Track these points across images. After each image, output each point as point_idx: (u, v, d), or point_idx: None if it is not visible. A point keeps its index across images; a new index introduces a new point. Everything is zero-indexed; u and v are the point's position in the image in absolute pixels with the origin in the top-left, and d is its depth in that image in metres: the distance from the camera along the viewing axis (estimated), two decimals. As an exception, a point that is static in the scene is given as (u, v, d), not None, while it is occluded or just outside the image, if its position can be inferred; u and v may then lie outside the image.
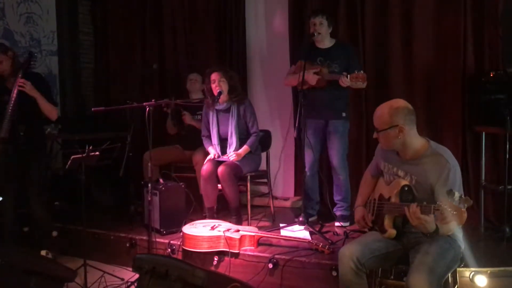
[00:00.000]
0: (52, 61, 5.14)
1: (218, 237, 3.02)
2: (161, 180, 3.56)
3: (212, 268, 3.02)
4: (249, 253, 3.00)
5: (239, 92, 3.63)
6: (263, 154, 3.89)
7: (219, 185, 3.48)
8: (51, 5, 5.11)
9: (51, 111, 3.24)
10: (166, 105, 4.14)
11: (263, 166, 3.89)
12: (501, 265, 2.60)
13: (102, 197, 4.46)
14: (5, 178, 3.20)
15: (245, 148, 3.55)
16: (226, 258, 3.01)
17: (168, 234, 3.38)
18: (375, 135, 2.26)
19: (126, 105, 3.27)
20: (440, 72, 3.75)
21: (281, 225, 3.44)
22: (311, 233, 3.22)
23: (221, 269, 3.00)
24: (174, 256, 3.18)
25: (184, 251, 3.13)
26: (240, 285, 2.45)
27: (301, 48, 3.87)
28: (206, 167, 3.46)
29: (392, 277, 2.47)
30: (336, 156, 3.50)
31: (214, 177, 3.43)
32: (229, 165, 3.40)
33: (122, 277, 3.16)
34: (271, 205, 3.82)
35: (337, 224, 3.50)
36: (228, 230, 3.08)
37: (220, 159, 3.54)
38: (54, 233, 3.56)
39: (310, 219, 3.57)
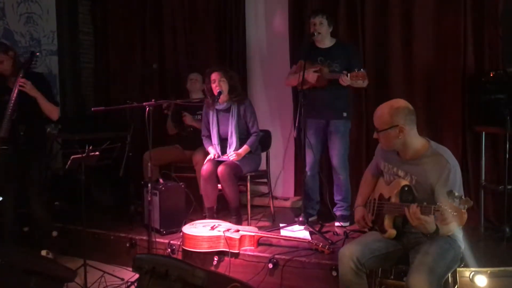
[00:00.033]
0: (52, 61, 5.13)
1: (218, 237, 3.02)
2: (161, 180, 3.56)
3: (212, 268, 3.02)
4: (249, 253, 3.00)
5: (239, 92, 3.63)
6: (263, 154, 3.89)
7: (219, 185, 3.48)
8: (51, 5, 5.11)
9: (52, 111, 3.24)
10: (166, 107, 4.14)
11: (263, 166, 3.89)
12: (501, 265, 2.60)
13: (102, 197, 4.46)
14: (5, 178, 3.20)
15: (245, 148, 3.55)
16: (226, 258, 3.01)
17: (168, 234, 3.38)
18: (375, 135, 2.26)
19: (126, 105, 3.27)
20: (440, 72, 3.75)
21: (281, 225, 3.44)
22: (311, 233, 3.22)
23: (221, 269, 3.00)
24: (174, 256, 3.18)
25: (184, 251, 3.13)
26: (240, 285, 2.45)
27: (301, 48, 3.87)
28: (206, 167, 3.46)
29: (392, 277, 2.47)
30: (336, 156, 3.50)
31: (214, 177, 3.43)
32: (229, 165, 3.40)
33: (122, 277, 3.16)
34: (271, 205, 3.82)
35: (337, 224, 3.50)
36: (228, 230, 3.08)
37: (220, 159, 3.54)
38: (54, 233, 3.56)
39: (310, 219, 3.57)
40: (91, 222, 3.50)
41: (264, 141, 3.90)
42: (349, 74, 3.22)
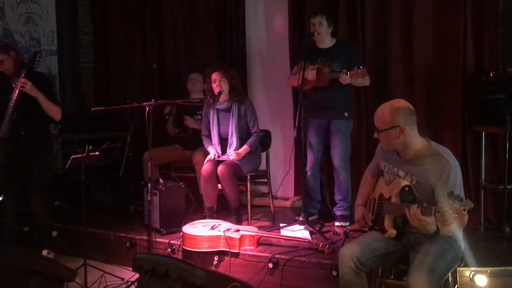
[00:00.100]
0: (52, 61, 5.13)
1: (218, 237, 3.02)
2: (161, 180, 3.56)
3: (212, 268, 3.02)
4: (249, 253, 3.00)
5: (240, 92, 3.63)
6: (263, 154, 3.89)
7: (219, 185, 3.48)
8: (50, 5, 5.11)
9: (53, 111, 3.23)
10: (168, 113, 4.14)
11: (263, 166, 3.89)
12: (501, 264, 2.60)
13: (102, 197, 4.46)
14: (5, 178, 3.20)
15: (245, 148, 3.55)
16: (226, 258, 3.01)
17: (168, 234, 3.38)
18: (375, 135, 2.26)
19: (126, 105, 3.27)
20: (440, 72, 3.75)
21: (281, 225, 3.44)
22: (311, 233, 3.22)
23: (221, 269, 3.00)
24: (174, 256, 3.18)
25: (184, 251, 3.13)
26: (240, 285, 2.45)
27: (302, 48, 3.88)
28: (206, 167, 3.46)
29: (392, 276, 2.47)
30: (337, 156, 3.50)
31: (214, 177, 3.43)
32: (229, 164, 3.40)
33: (122, 277, 3.16)
34: (271, 205, 3.82)
35: (337, 224, 3.50)
36: (228, 230, 3.08)
37: (220, 158, 3.54)
38: (54, 233, 3.56)
39: (311, 218, 3.57)
40: (91, 222, 3.50)
41: (264, 141, 3.91)
42: (348, 72, 3.22)
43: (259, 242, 3.09)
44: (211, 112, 3.65)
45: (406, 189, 2.18)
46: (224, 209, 3.69)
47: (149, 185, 3.17)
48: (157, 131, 3.54)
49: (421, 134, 2.23)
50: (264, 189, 4.43)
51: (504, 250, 2.95)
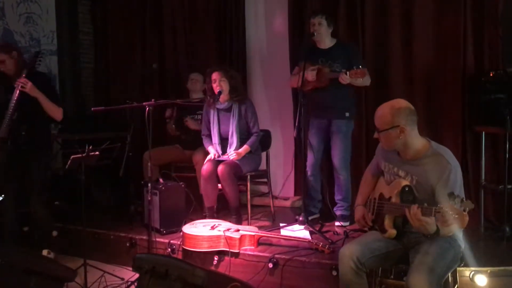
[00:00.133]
0: (52, 61, 5.13)
1: (218, 236, 3.02)
2: (161, 180, 3.56)
3: (212, 268, 3.02)
4: (249, 252, 3.00)
5: (241, 91, 3.63)
6: (263, 154, 3.89)
7: (219, 185, 3.48)
8: (50, 4, 5.11)
9: (54, 111, 3.23)
10: (169, 117, 4.13)
11: (263, 166, 3.89)
12: (501, 264, 2.60)
13: (102, 197, 4.46)
14: (5, 178, 3.20)
15: (245, 148, 3.55)
16: (226, 258, 3.01)
17: (168, 234, 3.38)
18: (376, 135, 2.26)
19: (126, 105, 3.27)
20: (440, 72, 3.75)
21: (281, 224, 3.44)
22: (311, 233, 3.22)
23: (221, 269, 3.00)
24: (174, 255, 3.18)
25: (184, 250, 3.13)
26: (240, 285, 2.45)
27: (301, 48, 3.87)
28: (206, 166, 3.46)
29: (392, 276, 2.48)
30: (338, 156, 3.50)
31: (214, 176, 3.43)
32: (229, 164, 3.40)
33: (122, 277, 3.16)
34: (271, 205, 3.82)
35: (337, 224, 3.50)
36: (228, 229, 3.08)
37: (220, 158, 3.54)
38: (54, 233, 3.56)
39: (312, 217, 3.59)
40: (91, 222, 3.50)
41: (264, 141, 3.91)
42: (348, 72, 3.22)
43: (259, 242, 3.09)
44: (212, 112, 3.65)
45: (406, 189, 2.18)
46: (224, 209, 3.69)
47: (149, 185, 3.17)
48: (157, 131, 3.54)
49: (421, 134, 2.23)
50: (264, 189, 4.43)
51: (504, 250, 2.95)
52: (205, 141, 3.72)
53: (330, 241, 3.06)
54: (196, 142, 3.88)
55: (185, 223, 3.32)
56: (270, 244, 3.10)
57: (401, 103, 2.21)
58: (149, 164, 3.13)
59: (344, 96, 3.48)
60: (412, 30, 3.82)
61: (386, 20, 3.91)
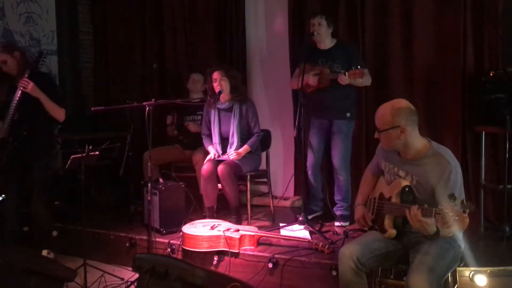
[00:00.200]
0: (52, 61, 5.13)
1: (218, 236, 3.02)
2: (161, 180, 3.56)
3: (212, 268, 3.02)
4: (249, 252, 3.00)
5: (242, 91, 3.63)
6: (263, 154, 3.89)
7: (219, 185, 3.48)
8: (50, 4, 5.11)
9: (56, 112, 3.23)
10: (170, 124, 4.12)
11: (263, 166, 3.89)
12: (501, 264, 2.60)
13: (102, 197, 4.46)
14: (6, 178, 3.20)
15: (245, 148, 3.55)
16: (226, 258, 3.01)
17: (168, 234, 3.38)
18: (376, 135, 2.26)
19: (126, 105, 3.27)
20: (440, 72, 3.75)
21: (281, 224, 3.45)
22: (311, 233, 3.22)
23: (221, 269, 3.00)
24: (174, 255, 3.18)
25: (184, 250, 3.13)
26: (240, 285, 2.45)
27: (302, 49, 3.87)
28: (206, 166, 3.46)
29: (392, 276, 2.48)
30: (338, 156, 3.50)
31: (214, 176, 3.43)
32: (229, 164, 3.40)
33: (122, 277, 3.16)
34: (271, 205, 3.82)
35: (337, 224, 3.51)
36: (228, 229, 3.08)
37: (220, 158, 3.54)
38: (54, 233, 3.56)
39: (314, 215, 3.61)
40: (91, 222, 3.50)
41: (264, 141, 3.90)
42: (347, 73, 3.22)
43: (259, 242, 3.09)
44: (213, 112, 3.65)
45: (407, 189, 2.18)
46: (224, 209, 3.69)
47: (149, 185, 3.17)
48: (157, 131, 3.54)
49: (421, 134, 2.23)
50: (264, 188, 4.43)
51: (504, 250, 2.95)
52: (205, 141, 3.72)
53: (330, 241, 3.06)
54: (196, 142, 3.88)
55: (185, 223, 3.32)
56: (270, 244, 3.10)
57: (402, 103, 2.20)
58: (149, 164, 3.12)
59: (345, 96, 3.47)
60: (412, 30, 3.82)
61: (386, 20, 3.91)
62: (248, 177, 3.58)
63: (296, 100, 3.71)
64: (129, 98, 3.65)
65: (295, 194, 4.43)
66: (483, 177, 3.42)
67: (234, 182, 3.42)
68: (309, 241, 3.01)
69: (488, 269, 2.52)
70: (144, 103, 2.99)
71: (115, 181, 4.07)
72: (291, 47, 4.32)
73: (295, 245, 3.05)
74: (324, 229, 3.38)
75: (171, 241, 3.24)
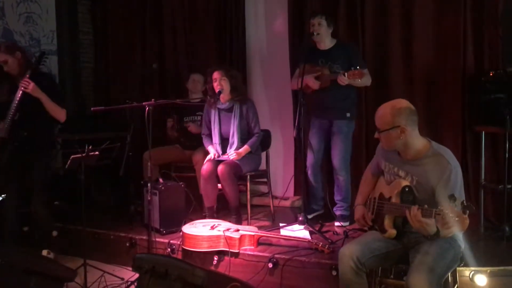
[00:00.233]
0: (52, 61, 5.12)
1: (218, 236, 3.02)
2: (160, 180, 3.56)
3: (212, 268, 3.02)
4: (249, 252, 3.00)
5: (242, 91, 3.63)
6: (263, 154, 3.89)
7: (219, 185, 3.48)
8: (50, 4, 5.10)
9: (57, 112, 3.22)
10: (171, 127, 4.12)
11: (263, 166, 3.89)
12: (501, 264, 2.60)
13: (102, 197, 4.46)
14: (6, 178, 3.20)
15: (245, 148, 3.55)
16: (226, 258, 3.01)
17: (168, 234, 3.38)
18: (376, 135, 2.26)
19: (126, 105, 3.27)
20: (440, 72, 3.75)
21: (281, 224, 3.45)
22: (311, 233, 3.22)
23: (221, 269, 3.00)
24: (174, 255, 3.18)
25: (184, 250, 3.13)
26: (240, 285, 2.45)
27: (302, 49, 3.87)
28: (206, 166, 3.46)
29: (392, 276, 2.48)
30: (337, 156, 3.50)
31: (214, 176, 3.43)
32: (229, 164, 3.40)
33: (122, 277, 3.16)
34: (271, 205, 3.82)
35: (337, 224, 3.50)
36: (228, 229, 3.08)
37: (220, 158, 3.54)
38: (54, 233, 3.56)
39: (316, 213, 3.62)
40: (91, 222, 3.50)
41: (264, 140, 3.90)
42: (346, 73, 3.22)
43: (259, 242, 3.09)
44: (213, 112, 3.65)
45: (407, 189, 2.18)
46: (224, 209, 3.69)
47: (149, 185, 3.17)
48: (157, 131, 3.53)
49: (421, 134, 2.23)
50: (264, 188, 4.43)
51: (504, 250, 2.95)
52: (205, 141, 3.72)
53: (330, 241, 3.06)
54: (196, 143, 3.88)
55: (185, 223, 3.32)
56: (270, 244, 3.10)
57: (402, 103, 2.20)
58: (149, 164, 3.12)
59: (345, 96, 3.47)
60: (412, 30, 3.82)
61: (386, 20, 3.91)
62: (248, 177, 3.58)
63: (296, 100, 3.71)
64: (129, 98, 3.65)
65: (295, 194, 4.43)
66: (483, 177, 3.43)
67: (234, 182, 3.42)
68: (309, 241, 3.01)
69: (488, 269, 2.52)
70: (144, 103, 2.99)
71: (115, 181, 4.07)
72: (291, 47, 4.32)
73: (295, 245, 3.05)
74: (324, 229, 3.38)
75: (171, 241, 3.24)
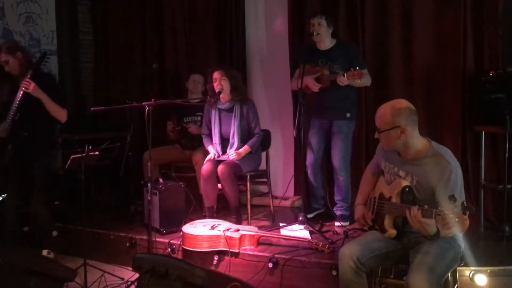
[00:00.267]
0: (52, 61, 5.12)
1: (218, 236, 3.02)
2: (161, 180, 3.56)
3: (212, 268, 3.02)
4: (249, 252, 3.00)
5: (242, 92, 3.63)
6: (263, 154, 3.89)
7: (219, 185, 3.48)
8: (50, 4, 5.10)
9: (58, 112, 3.23)
10: (171, 130, 4.12)
11: (263, 166, 3.89)
12: (501, 264, 2.60)
13: (102, 197, 4.46)
14: (6, 178, 3.20)
15: (245, 148, 3.55)
16: (226, 258, 3.01)
17: (168, 234, 3.38)
18: (376, 135, 2.26)
19: (126, 105, 3.27)
20: (440, 72, 3.75)
21: (281, 224, 3.45)
22: (311, 233, 3.22)
23: (221, 269, 3.00)
24: (174, 255, 3.18)
25: (184, 250, 3.14)
26: (240, 285, 2.45)
27: (301, 49, 3.87)
28: (206, 166, 3.46)
29: (392, 276, 2.48)
30: (337, 156, 3.50)
31: (214, 176, 3.43)
32: (229, 164, 3.40)
33: (122, 277, 3.16)
34: (271, 205, 3.82)
35: (337, 223, 3.50)
36: (228, 229, 3.08)
37: (220, 158, 3.54)
38: (54, 233, 3.56)
39: (316, 212, 3.63)
40: (91, 222, 3.50)
41: (264, 140, 3.90)
42: (345, 74, 3.23)
43: (259, 242, 3.09)
44: (213, 112, 3.65)
45: (407, 189, 2.18)
46: (224, 209, 3.69)
47: (149, 185, 3.17)
48: (157, 131, 3.53)
49: (421, 134, 2.23)
50: (264, 188, 4.43)
51: (504, 250, 2.95)
52: (205, 141, 3.72)
53: (330, 241, 3.06)
54: (196, 143, 3.88)
55: (185, 223, 3.32)
56: (270, 244, 3.10)
57: (402, 103, 2.20)
58: (149, 164, 3.12)
59: (345, 96, 3.47)
60: (412, 30, 3.82)
61: (386, 20, 3.91)
62: (248, 177, 3.58)
63: (296, 100, 3.71)
64: (129, 98, 3.65)
65: (295, 194, 4.43)
66: (483, 177, 3.43)
67: (234, 182, 3.42)
68: (309, 241, 3.01)
69: (488, 268, 2.52)
70: (144, 103, 2.99)
71: (115, 181, 4.07)
72: (291, 47, 4.32)
73: (295, 245, 3.05)
74: (324, 229, 3.38)
75: (171, 241, 3.25)
